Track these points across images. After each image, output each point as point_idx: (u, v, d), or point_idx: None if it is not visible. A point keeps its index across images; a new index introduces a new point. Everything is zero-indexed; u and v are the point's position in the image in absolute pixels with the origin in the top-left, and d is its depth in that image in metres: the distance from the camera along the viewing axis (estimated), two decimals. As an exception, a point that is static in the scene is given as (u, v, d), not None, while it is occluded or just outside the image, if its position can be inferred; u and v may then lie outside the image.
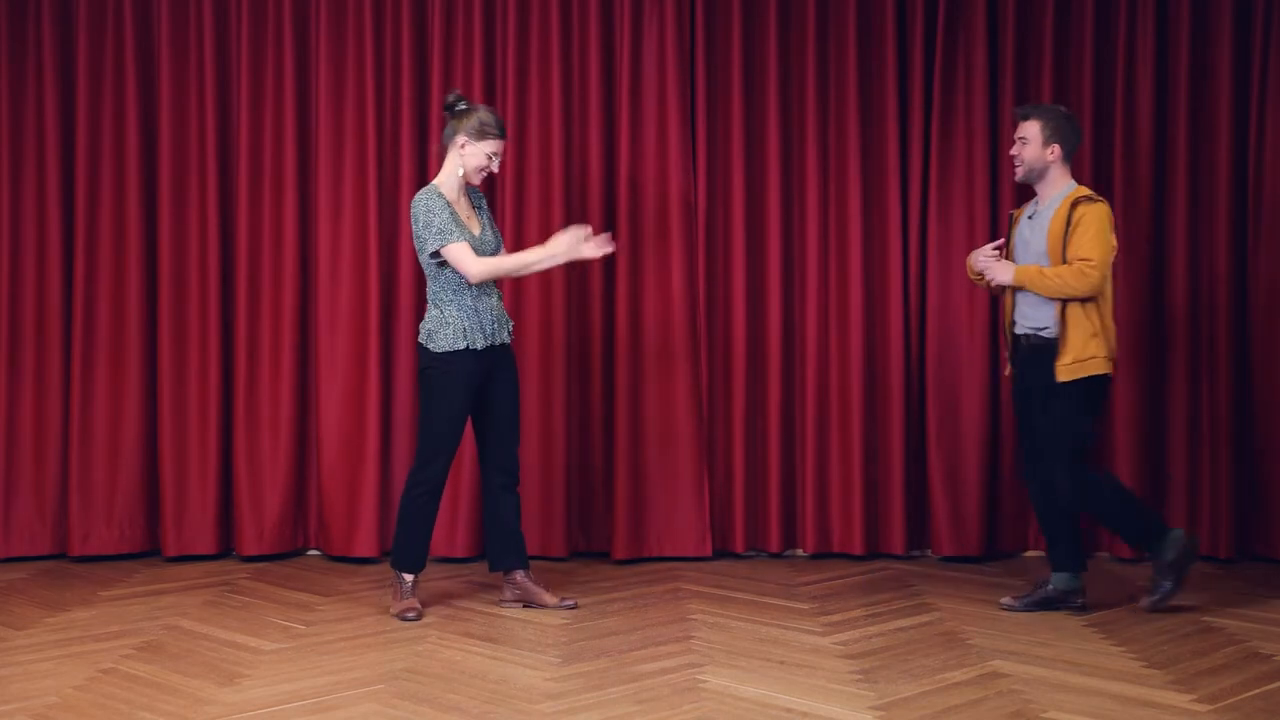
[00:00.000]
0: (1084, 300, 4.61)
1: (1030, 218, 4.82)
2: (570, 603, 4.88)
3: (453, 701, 3.76)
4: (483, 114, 4.71)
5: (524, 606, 4.89)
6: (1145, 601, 4.72)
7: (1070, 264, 4.59)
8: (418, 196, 4.69)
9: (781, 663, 4.15)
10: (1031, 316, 4.74)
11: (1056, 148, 4.73)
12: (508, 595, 4.92)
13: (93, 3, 5.73)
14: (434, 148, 5.70)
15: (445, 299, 4.68)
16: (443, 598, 5.05)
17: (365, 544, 5.66)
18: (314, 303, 5.77)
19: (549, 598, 4.88)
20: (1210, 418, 5.71)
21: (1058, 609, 4.80)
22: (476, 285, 4.69)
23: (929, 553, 5.83)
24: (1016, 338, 4.83)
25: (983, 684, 3.92)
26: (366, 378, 5.71)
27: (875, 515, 5.79)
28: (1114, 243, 4.68)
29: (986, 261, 4.78)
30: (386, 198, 5.77)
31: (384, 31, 5.78)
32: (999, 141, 5.72)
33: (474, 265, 4.62)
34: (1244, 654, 4.26)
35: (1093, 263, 4.55)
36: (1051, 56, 5.76)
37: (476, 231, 4.75)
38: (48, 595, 5.14)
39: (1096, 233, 4.58)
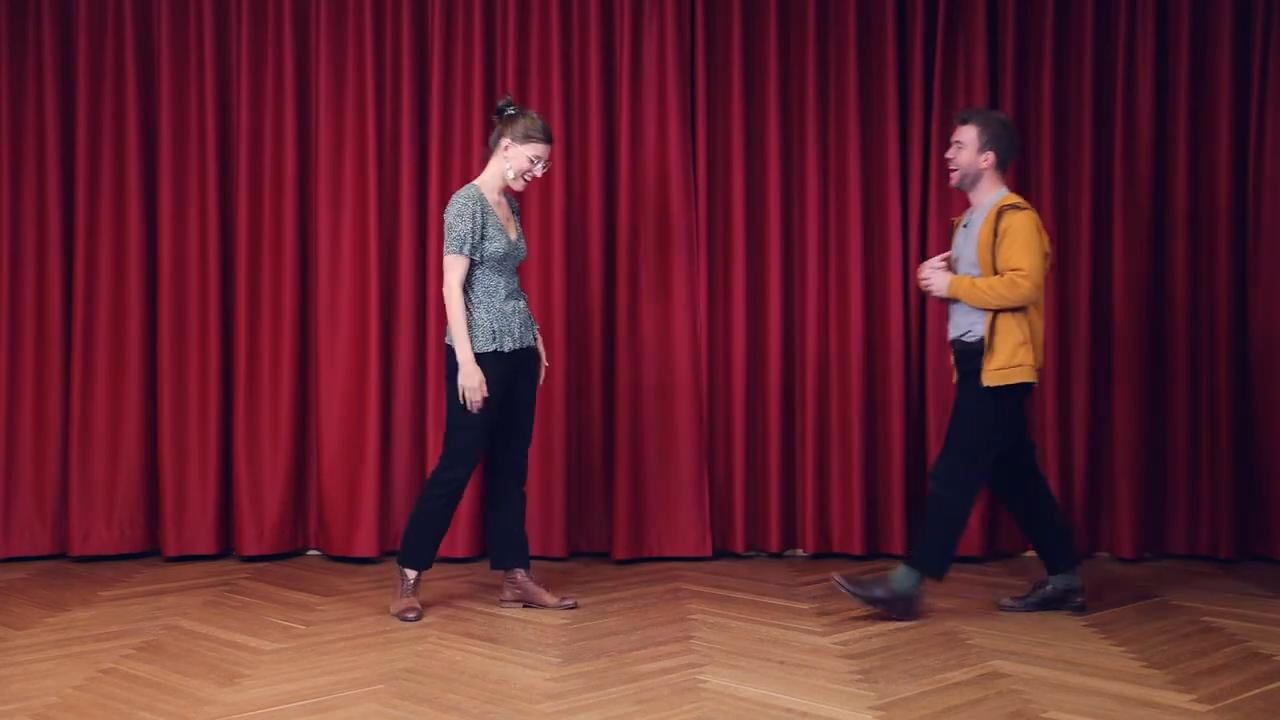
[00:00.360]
0: (1016, 309, 4.59)
1: (965, 226, 4.78)
2: (570, 603, 4.88)
3: (453, 701, 3.76)
4: (529, 119, 4.71)
5: (524, 606, 4.88)
6: (843, 578, 4.72)
7: (1001, 274, 4.55)
8: (456, 195, 4.68)
9: (781, 663, 4.14)
10: (960, 324, 4.71)
11: (991, 155, 4.67)
12: (508, 595, 4.92)
13: (93, 3, 5.73)
14: (434, 148, 5.71)
15: (476, 301, 4.67)
16: (443, 597, 5.05)
17: (365, 544, 5.67)
18: (314, 303, 5.77)
19: (549, 598, 4.88)
20: (1210, 418, 5.71)
21: (1058, 609, 4.80)
22: (505, 288, 4.69)
23: (929, 553, 5.83)
24: (951, 345, 4.82)
25: (983, 684, 3.92)
26: (366, 378, 5.71)
27: (875, 515, 5.79)
28: (1047, 249, 4.64)
29: (928, 272, 4.76)
30: (386, 198, 5.77)
31: (384, 31, 5.78)
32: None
33: (454, 289, 4.60)
34: (1244, 654, 4.26)
35: (1024, 272, 4.50)
36: (1051, 56, 5.76)
37: (513, 236, 4.75)
38: (48, 595, 5.14)
39: (1025, 242, 4.53)
